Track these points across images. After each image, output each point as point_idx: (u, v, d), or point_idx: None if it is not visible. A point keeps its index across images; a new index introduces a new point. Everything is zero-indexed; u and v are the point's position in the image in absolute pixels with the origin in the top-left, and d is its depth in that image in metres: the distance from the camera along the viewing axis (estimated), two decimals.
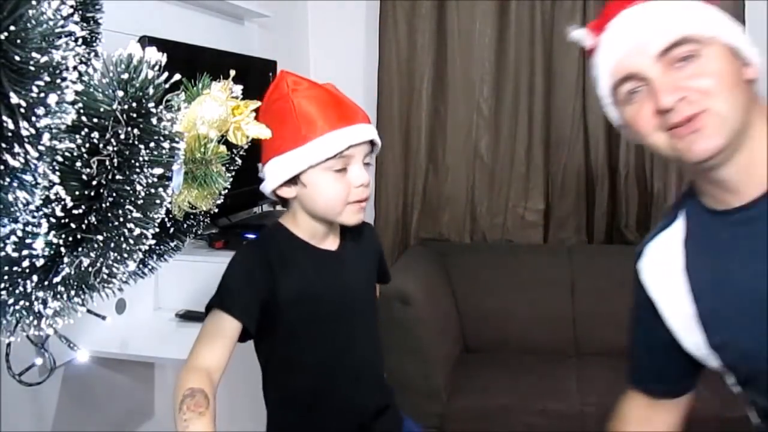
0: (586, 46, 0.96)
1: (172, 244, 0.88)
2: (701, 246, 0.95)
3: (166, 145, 0.63)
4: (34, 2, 0.48)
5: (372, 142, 1.13)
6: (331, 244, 1.18)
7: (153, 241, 0.68)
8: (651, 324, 1.01)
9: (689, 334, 0.97)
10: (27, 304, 0.61)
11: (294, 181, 1.10)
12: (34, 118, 0.50)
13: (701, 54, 0.85)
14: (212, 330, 1.04)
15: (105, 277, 0.65)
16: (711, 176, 0.89)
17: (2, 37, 0.47)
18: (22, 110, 0.49)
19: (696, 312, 0.95)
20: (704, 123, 0.84)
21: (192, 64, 0.86)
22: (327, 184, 1.08)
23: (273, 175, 1.10)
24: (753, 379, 0.93)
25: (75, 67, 0.53)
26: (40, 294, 0.61)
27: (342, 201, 1.09)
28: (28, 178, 0.52)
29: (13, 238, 0.58)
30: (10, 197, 0.52)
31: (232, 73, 0.86)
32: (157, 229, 0.68)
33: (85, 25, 0.81)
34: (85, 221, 0.60)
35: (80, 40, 0.73)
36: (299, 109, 1.07)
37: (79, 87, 0.56)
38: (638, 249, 1.05)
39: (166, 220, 0.85)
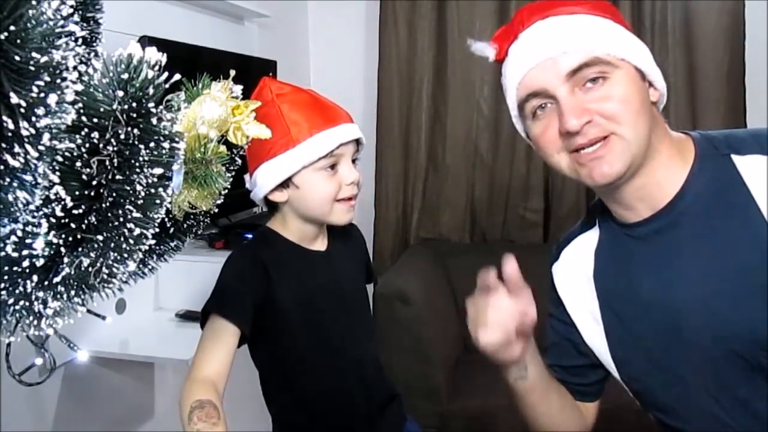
0: (490, 57, 0.94)
1: (172, 244, 0.88)
2: (609, 256, 0.96)
3: (166, 145, 0.63)
4: (34, 2, 0.48)
5: (358, 141, 1.15)
6: (321, 245, 1.20)
7: (153, 241, 0.68)
8: (563, 323, 1.03)
9: (595, 340, 0.98)
10: (27, 304, 0.61)
11: (286, 184, 1.11)
12: (34, 118, 0.50)
13: (610, 76, 0.84)
14: (211, 337, 1.04)
15: (105, 277, 0.65)
16: (610, 194, 0.91)
17: (2, 37, 0.47)
18: (22, 110, 0.49)
19: (601, 320, 0.96)
20: (608, 149, 0.84)
21: (192, 64, 0.87)
22: (319, 183, 1.10)
23: (265, 179, 1.11)
24: (652, 389, 0.95)
25: (75, 67, 0.53)
26: (40, 294, 0.61)
27: (332, 198, 1.11)
28: (28, 178, 0.52)
29: (13, 238, 0.58)
30: (10, 197, 0.52)
31: (232, 73, 0.86)
32: (157, 229, 0.68)
33: (85, 25, 0.81)
34: (85, 221, 0.60)
35: (80, 40, 0.73)
36: (287, 113, 1.09)
37: (79, 87, 0.56)
38: (554, 250, 1.06)
39: (166, 220, 0.85)
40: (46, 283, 0.60)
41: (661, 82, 0.90)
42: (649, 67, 0.88)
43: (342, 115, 1.14)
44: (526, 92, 0.88)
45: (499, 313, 0.88)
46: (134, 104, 0.60)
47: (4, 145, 0.49)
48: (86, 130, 0.59)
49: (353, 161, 1.15)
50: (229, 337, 1.04)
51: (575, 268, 1.01)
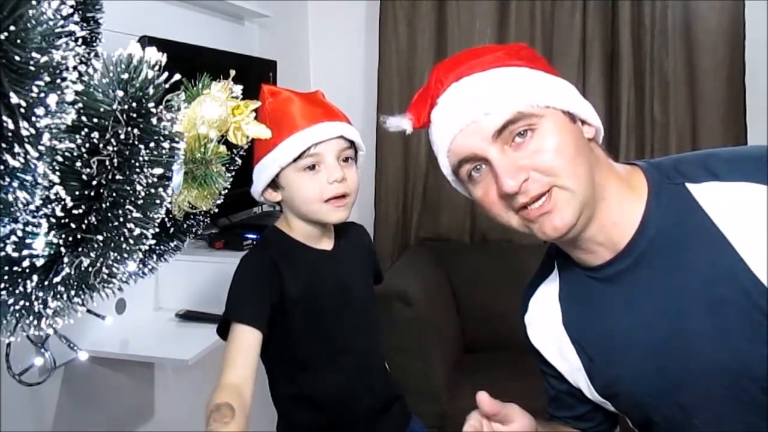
0: (407, 130, 0.91)
1: (172, 244, 0.88)
2: (575, 301, 0.94)
3: (166, 145, 0.63)
4: (34, 2, 0.48)
5: (349, 140, 1.15)
6: (326, 244, 1.21)
7: (153, 241, 0.68)
8: (553, 376, 1.01)
9: (581, 385, 0.96)
10: (27, 304, 0.61)
11: (276, 185, 1.14)
12: (34, 118, 0.50)
13: (538, 126, 0.81)
14: (234, 346, 1.05)
15: (105, 277, 0.65)
16: (567, 242, 0.88)
17: (2, 37, 0.47)
18: (22, 110, 0.49)
19: (582, 366, 0.94)
20: (553, 202, 0.81)
21: (192, 64, 0.86)
22: (300, 183, 1.12)
23: (256, 181, 1.15)
24: (648, 423, 0.93)
25: (75, 67, 0.53)
26: (40, 294, 0.61)
27: (317, 199, 1.12)
28: (28, 178, 0.52)
29: (13, 238, 0.58)
30: (10, 197, 0.52)
31: (232, 73, 0.86)
32: (157, 229, 0.68)
33: (85, 25, 0.81)
34: (85, 221, 0.60)
35: (80, 40, 0.73)
36: (270, 116, 1.11)
37: (79, 87, 0.56)
38: (522, 300, 1.03)
39: (166, 220, 0.85)
40: (46, 283, 0.60)
41: (594, 117, 0.87)
42: (577, 106, 0.85)
43: (323, 115, 1.13)
44: (457, 159, 0.86)
45: None
46: (134, 104, 0.60)
47: (4, 145, 0.49)
48: (86, 130, 0.59)
49: (346, 160, 1.15)
50: (251, 341, 1.05)
51: (544, 318, 0.98)
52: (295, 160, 1.10)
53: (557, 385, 1.01)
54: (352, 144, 1.16)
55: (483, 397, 0.85)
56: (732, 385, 0.81)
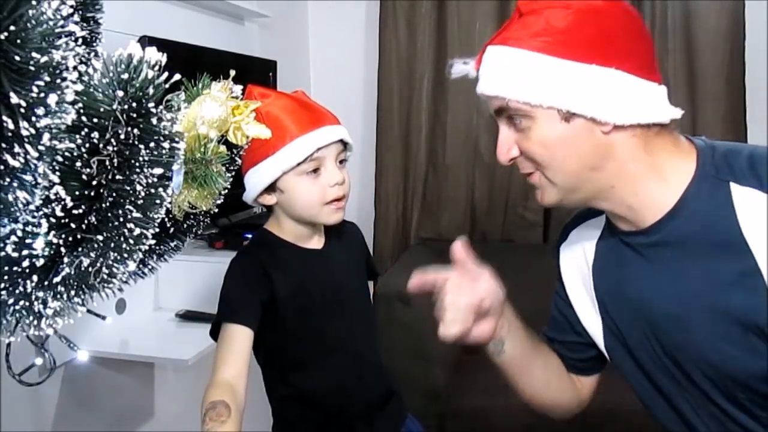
0: (472, 73, 0.94)
1: (172, 244, 0.88)
2: (607, 253, 0.97)
3: (166, 145, 0.63)
4: (34, 2, 0.48)
5: (344, 142, 1.16)
6: (317, 243, 1.22)
7: (153, 241, 0.68)
8: (562, 300, 1.06)
9: (592, 327, 1.01)
10: (27, 304, 0.61)
11: (272, 188, 1.14)
12: (34, 118, 0.50)
13: (533, 115, 0.84)
14: (225, 344, 1.06)
15: (105, 277, 0.65)
16: None
17: (2, 37, 0.47)
18: (22, 110, 0.49)
19: (599, 311, 0.99)
20: (536, 182, 0.90)
21: (192, 64, 0.86)
22: (302, 187, 1.12)
23: (251, 185, 1.14)
24: (633, 389, 0.98)
25: (75, 67, 0.53)
26: (40, 294, 0.61)
27: (318, 202, 1.13)
28: (28, 178, 0.52)
29: (13, 238, 0.58)
30: (10, 197, 0.52)
31: (232, 73, 0.87)
32: (157, 229, 0.68)
33: (85, 25, 0.81)
34: (85, 221, 0.60)
35: (80, 40, 0.73)
36: (267, 119, 1.09)
37: (79, 87, 0.56)
38: (563, 230, 1.08)
39: (166, 220, 0.85)
40: (46, 283, 0.60)
41: (613, 115, 0.82)
42: (583, 104, 0.82)
43: (324, 118, 1.15)
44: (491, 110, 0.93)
45: (455, 310, 0.94)
46: (134, 104, 0.60)
47: (4, 145, 0.49)
48: (86, 130, 0.59)
49: (341, 162, 1.16)
50: (242, 339, 1.06)
51: (579, 254, 1.02)
52: (297, 164, 1.11)
53: (562, 307, 1.06)
54: (345, 145, 1.17)
55: (458, 246, 0.99)
56: (719, 381, 0.85)
